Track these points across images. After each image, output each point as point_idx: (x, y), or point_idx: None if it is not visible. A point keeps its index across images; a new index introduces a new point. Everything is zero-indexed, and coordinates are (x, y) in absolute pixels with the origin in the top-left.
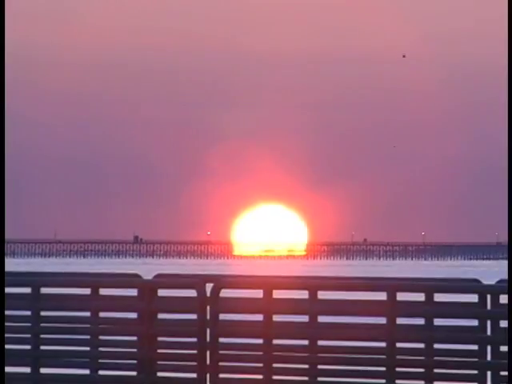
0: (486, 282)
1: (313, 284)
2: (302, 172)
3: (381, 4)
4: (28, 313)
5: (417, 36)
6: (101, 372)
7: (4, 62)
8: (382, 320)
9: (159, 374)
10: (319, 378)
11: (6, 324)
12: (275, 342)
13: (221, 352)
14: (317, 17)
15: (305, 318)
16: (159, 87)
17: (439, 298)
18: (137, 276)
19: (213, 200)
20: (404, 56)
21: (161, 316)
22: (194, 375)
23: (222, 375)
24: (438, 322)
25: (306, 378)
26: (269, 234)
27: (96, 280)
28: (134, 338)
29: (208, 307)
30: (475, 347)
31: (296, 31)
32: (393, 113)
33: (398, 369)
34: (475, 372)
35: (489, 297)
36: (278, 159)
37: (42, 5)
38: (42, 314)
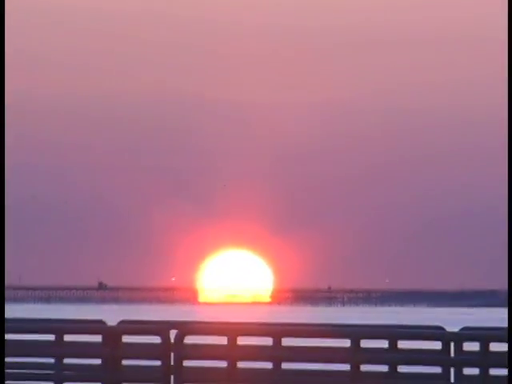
0: (449, 329)
1: (277, 330)
2: (267, 218)
3: (348, 55)
4: None
5: (366, 88)
6: None
7: (4, 63)
8: (346, 367)
9: None
10: None
11: None
12: None
13: None
14: (285, 68)
15: (269, 365)
16: (126, 134)
17: (403, 344)
18: (101, 322)
19: (178, 246)
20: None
21: (125, 362)
22: None
23: None
24: (401, 368)
25: None
26: (234, 280)
27: (60, 326)
28: None
29: (172, 353)
30: None
31: (264, 82)
32: (356, 160)
33: None
34: None
35: (452, 344)
36: (243, 206)
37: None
38: (7, 360)
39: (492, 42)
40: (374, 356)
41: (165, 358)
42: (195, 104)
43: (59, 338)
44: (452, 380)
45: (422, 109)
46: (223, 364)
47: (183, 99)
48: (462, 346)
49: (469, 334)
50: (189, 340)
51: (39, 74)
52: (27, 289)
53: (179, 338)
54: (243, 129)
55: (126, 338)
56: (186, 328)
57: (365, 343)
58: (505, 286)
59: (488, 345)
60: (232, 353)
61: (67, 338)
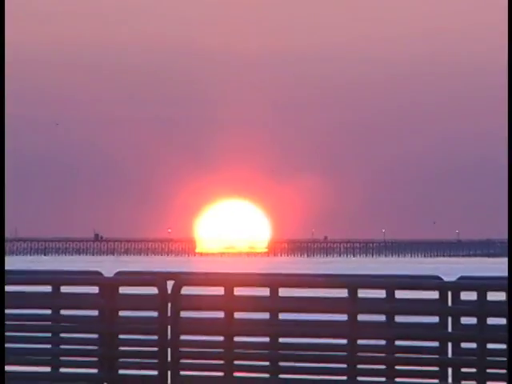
0: (446, 278)
1: (274, 281)
2: (265, 168)
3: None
4: None
5: (359, 36)
6: (62, 369)
7: (4, 62)
8: (343, 317)
9: (120, 371)
10: (280, 375)
11: None
12: (236, 339)
13: (182, 349)
14: (272, 14)
15: (266, 316)
16: (120, 86)
17: (400, 294)
18: (98, 273)
19: (174, 197)
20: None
21: (122, 313)
22: (155, 372)
23: (183, 372)
24: (399, 318)
25: (267, 375)
26: (231, 230)
27: (57, 278)
28: (95, 336)
29: (169, 305)
30: (436, 344)
31: (258, 29)
32: (357, 111)
33: (359, 366)
34: (436, 369)
35: (449, 293)
36: (241, 155)
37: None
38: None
39: None
40: (372, 306)
41: (162, 310)
42: (189, 53)
43: (56, 289)
44: (449, 329)
45: (423, 56)
46: (220, 315)
47: (178, 49)
48: (459, 296)
49: (466, 283)
50: (186, 291)
51: (31, 24)
52: (24, 240)
53: (176, 289)
54: (239, 76)
55: (122, 290)
56: (183, 279)
57: (362, 293)
58: (501, 235)
59: (485, 294)
60: (229, 304)
61: (64, 289)
